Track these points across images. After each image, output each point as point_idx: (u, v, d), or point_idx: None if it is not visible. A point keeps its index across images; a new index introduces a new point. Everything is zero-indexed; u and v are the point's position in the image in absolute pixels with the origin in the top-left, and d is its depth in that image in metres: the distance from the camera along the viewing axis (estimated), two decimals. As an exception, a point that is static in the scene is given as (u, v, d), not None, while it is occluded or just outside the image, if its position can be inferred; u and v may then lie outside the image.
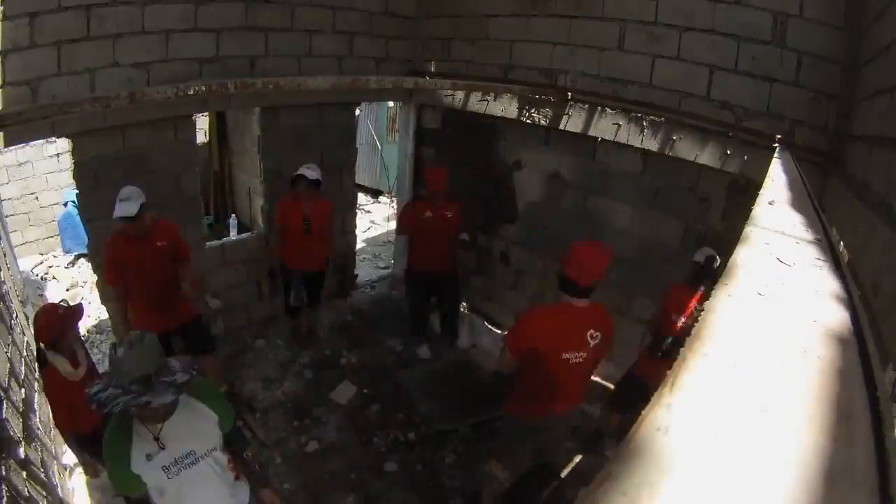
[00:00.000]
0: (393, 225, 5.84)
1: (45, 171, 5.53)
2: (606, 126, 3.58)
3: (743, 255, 0.85)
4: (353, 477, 3.13)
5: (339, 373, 4.02)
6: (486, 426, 3.44)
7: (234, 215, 5.96)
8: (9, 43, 2.60)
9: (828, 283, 0.78)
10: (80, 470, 2.80)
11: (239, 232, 5.52)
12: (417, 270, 4.02)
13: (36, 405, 2.64)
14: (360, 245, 5.87)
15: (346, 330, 4.60)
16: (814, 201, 1.43)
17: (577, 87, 3.67)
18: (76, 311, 2.30)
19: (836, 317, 0.67)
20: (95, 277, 3.47)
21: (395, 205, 5.83)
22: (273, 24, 3.69)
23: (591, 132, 3.68)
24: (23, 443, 2.11)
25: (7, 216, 4.95)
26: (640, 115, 3.38)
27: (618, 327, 3.91)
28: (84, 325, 4.39)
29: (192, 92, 2.52)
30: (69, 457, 2.87)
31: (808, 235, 1.02)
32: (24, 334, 2.90)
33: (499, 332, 4.69)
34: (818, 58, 2.67)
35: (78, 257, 5.52)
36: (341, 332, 4.57)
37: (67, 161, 3.21)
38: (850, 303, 0.72)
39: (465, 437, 3.49)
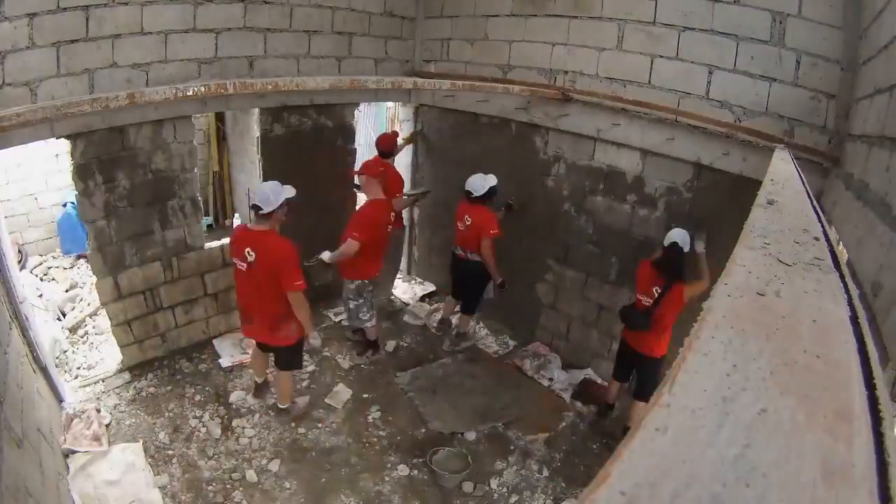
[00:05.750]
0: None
1: (44, 171, 5.51)
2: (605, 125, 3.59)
3: (742, 255, 0.85)
4: (353, 479, 3.13)
5: (334, 375, 4.02)
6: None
7: (237, 215, 5.96)
8: (8, 44, 2.60)
9: (827, 283, 0.78)
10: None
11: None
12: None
13: (35, 406, 2.64)
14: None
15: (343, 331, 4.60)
16: (813, 201, 1.43)
17: (575, 87, 3.68)
18: None
19: (836, 316, 0.67)
20: (95, 278, 3.47)
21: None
22: (272, 24, 3.69)
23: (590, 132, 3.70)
24: (22, 443, 2.10)
25: (6, 217, 4.94)
26: (639, 114, 3.38)
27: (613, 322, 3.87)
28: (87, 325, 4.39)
29: (190, 93, 2.51)
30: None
31: (808, 235, 1.02)
32: (23, 335, 2.90)
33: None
34: (817, 57, 2.67)
35: (77, 258, 5.51)
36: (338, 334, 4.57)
37: (66, 162, 3.20)
38: (849, 302, 0.72)
39: (465, 438, 3.49)
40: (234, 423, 3.42)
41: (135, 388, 3.63)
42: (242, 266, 2.96)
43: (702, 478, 0.37)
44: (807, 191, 1.57)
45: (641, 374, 3.40)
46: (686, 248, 3.03)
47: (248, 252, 2.90)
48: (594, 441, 3.54)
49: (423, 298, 5.22)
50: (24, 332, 2.93)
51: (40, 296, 4.60)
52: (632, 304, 3.28)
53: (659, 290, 3.05)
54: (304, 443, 3.35)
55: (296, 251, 2.91)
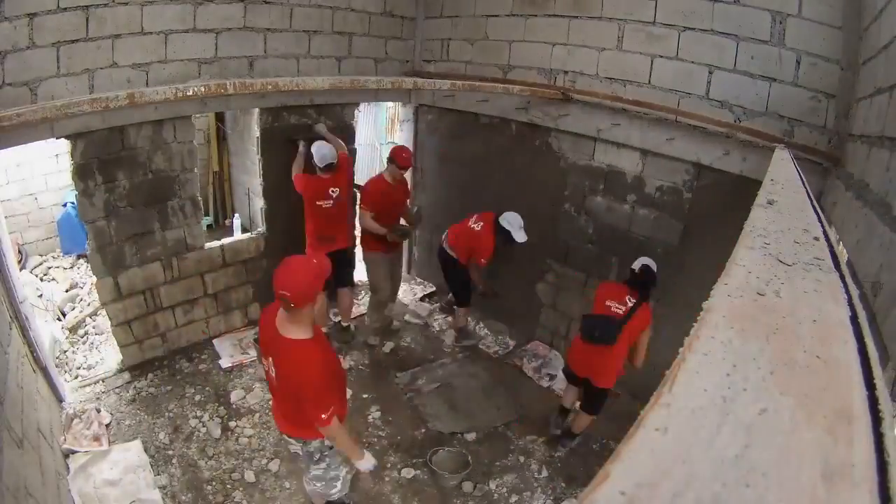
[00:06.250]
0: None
1: (44, 171, 5.51)
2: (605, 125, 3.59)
3: (742, 255, 0.85)
4: (353, 479, 3.12)
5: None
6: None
7: (237, 215, 5.97)
8: (8, 43, 2.60)
9: (827, 283, 0.78)
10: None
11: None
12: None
13: (35, 406, 2.64)
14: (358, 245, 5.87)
15: (341, 331, 4.60)
16: (813, 201, 1.43)
17: (575, 87, 3.68)
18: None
19: (836, 316, 0.67)
20: (95, 278, 3.47)
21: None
22: (272, 24, 3.69)
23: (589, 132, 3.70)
24: (22, 443, 2.11)
25: (6, 217, 4.95)
26: (639, 114, 3.38)
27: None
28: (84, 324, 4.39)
29: (191, 93, 2.51)
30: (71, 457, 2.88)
31: (808, 235, 1.02)
32: (23, 335, 2.90)
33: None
34: (817, 57, 2.67)
35: (77, 258, 5.51)
36: (338, 333, 4.57)
37: (66, 162, 3.21)
38: (849, 302, 0.72)
39: (464, 438, 3.49)
40: (234, 423, 3.42)
41: (135, 388, 3.63)
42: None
43: (702, 478, 0.37)
44: (807, 191, 1.57)
45: (588, 393, 3.22)
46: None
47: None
48: (594, 441, 3.53)
49: (423, 298, 5.22)
50: (24, 332, 2.93)
51: (40, 296, 4.60)
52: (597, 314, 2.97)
53: (633, 301, 2.91)
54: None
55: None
